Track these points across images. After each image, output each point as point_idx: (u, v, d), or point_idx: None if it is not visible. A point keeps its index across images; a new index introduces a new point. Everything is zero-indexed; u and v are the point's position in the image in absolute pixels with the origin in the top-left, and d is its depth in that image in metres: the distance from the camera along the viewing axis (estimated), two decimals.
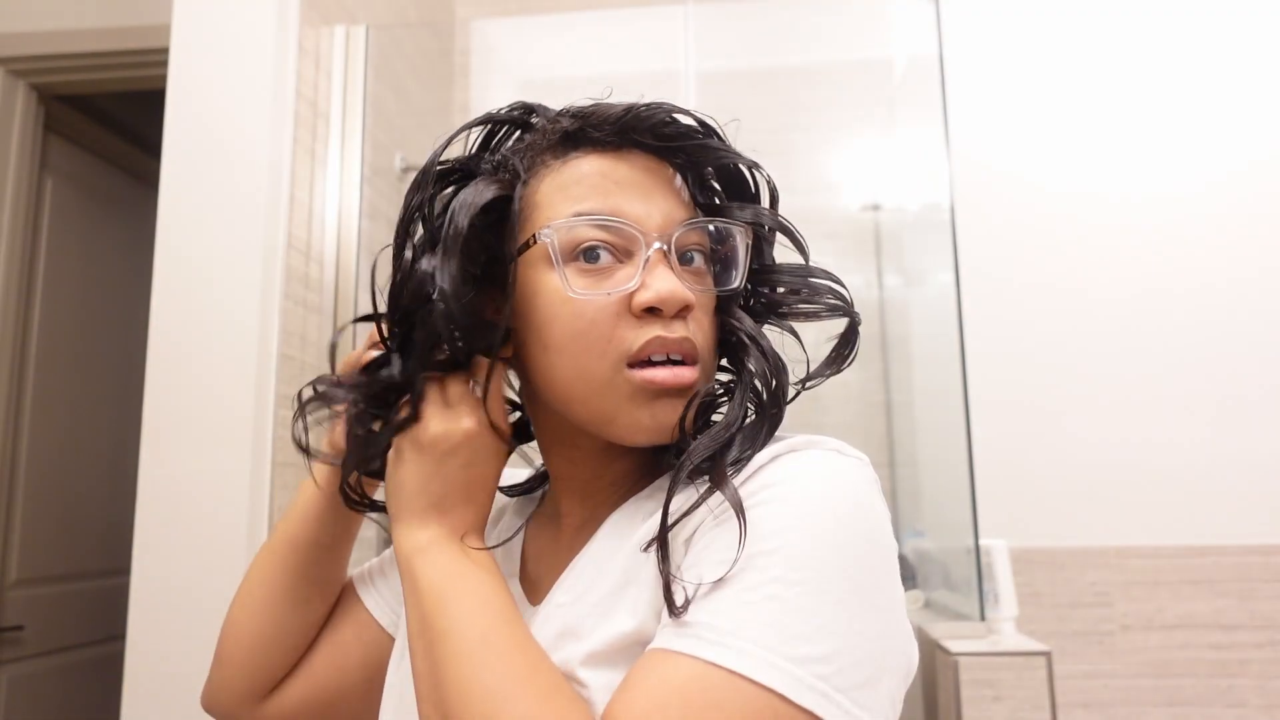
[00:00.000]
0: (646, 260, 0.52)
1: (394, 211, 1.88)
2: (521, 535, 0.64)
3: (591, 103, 0.59)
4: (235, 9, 1.43)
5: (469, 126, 0.60)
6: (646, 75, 2.06)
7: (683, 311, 0.52)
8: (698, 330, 0.53)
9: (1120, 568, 1.82)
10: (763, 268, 0.59)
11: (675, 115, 0.56)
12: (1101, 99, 1.97)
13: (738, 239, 0.56)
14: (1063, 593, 1.82)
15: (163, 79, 1.42)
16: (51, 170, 2.17)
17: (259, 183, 1.38)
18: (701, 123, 0.57)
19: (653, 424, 0.52)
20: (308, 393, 0.57)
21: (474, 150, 0.60)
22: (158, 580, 1.30)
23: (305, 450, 0.59)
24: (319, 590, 0.68)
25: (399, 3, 1.98)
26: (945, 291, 1.65)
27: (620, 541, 0.53)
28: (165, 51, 1.43)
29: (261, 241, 1.37)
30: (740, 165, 0.58)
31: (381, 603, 0.70)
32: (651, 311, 0.52)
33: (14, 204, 2.02)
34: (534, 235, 0.54)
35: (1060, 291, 1.92)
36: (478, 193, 0.55)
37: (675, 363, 0.52)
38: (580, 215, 0.53)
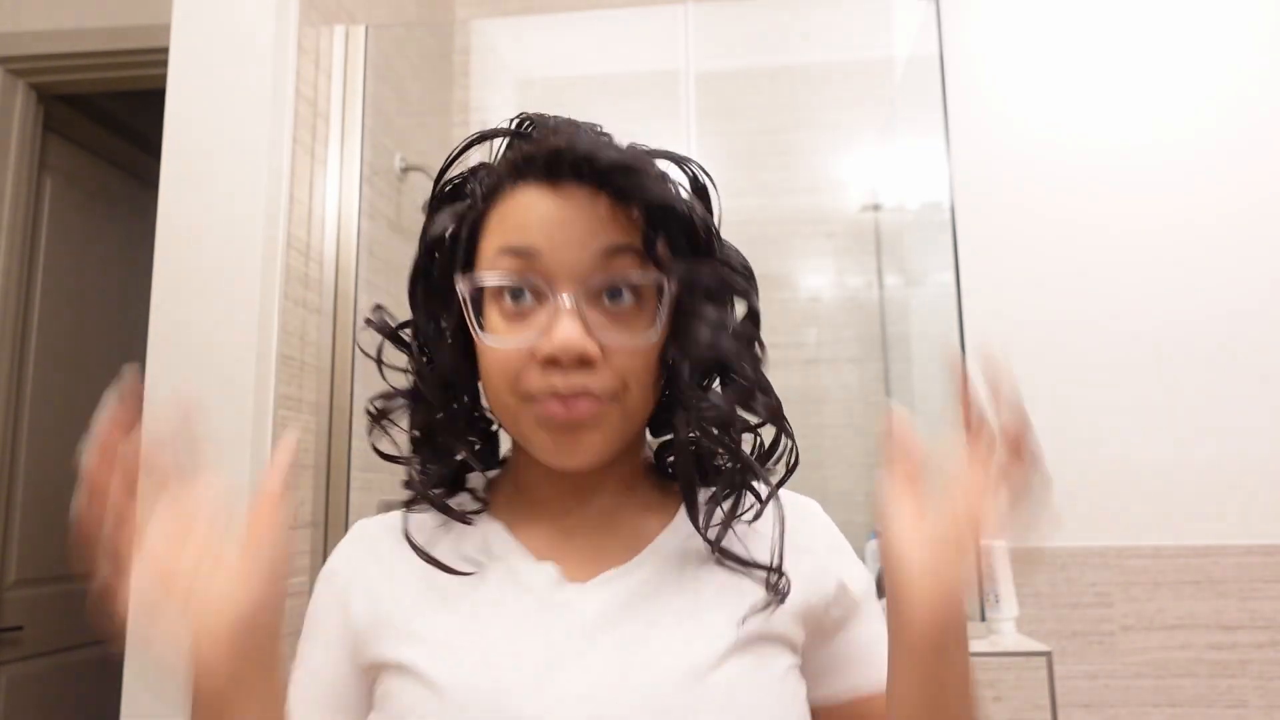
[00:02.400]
0: (556, 308, 0.54)
1: (394, 211, 1.89)
2: (502, 524, 0.63)
3: (552, 125, 0.60)
4: (235, 9, 1.43)
5: (468, 145, 0.63)
6: (646, 75, 2.06)
7: (586, 361, 0.54)
8: (610, 375, 0.55)
9: (1120, 568, 1.81)
10: (691, 323, 0.57)
11: (598, 154, 0.54)
12: (1102, 99, 1.97)
13: (661, 286, 0.56)
14: (1063, 593, 1.81)
15: (162, 79, 1.42)
16: (51, 170, 2.17)
17: (259, 183, 1.38)
18: (624, 162, 0.55)
19: (558, 457, 0.57)
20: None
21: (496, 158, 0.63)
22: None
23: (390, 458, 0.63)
24: None
25: (399, 3, 1.98)
26: (945, 291, 1.64)
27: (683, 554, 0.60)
28: (165, 51, 1.43)
29: (261, 241, 1.37)
30: (673, 205, 0.56)
31: (319, 698, 0.61)
32: (553, 361, 0.54)
33: (13, 204, 2.02)
34: (455, 282, 0.58)
35: (1060, 291, 1.92)
36: (436, 225, 0.61)
37: (580, 398, 0.54)
38: (504, 249, 0.56)
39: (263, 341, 1.35)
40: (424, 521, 0.63)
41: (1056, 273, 1.93)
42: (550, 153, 0.55)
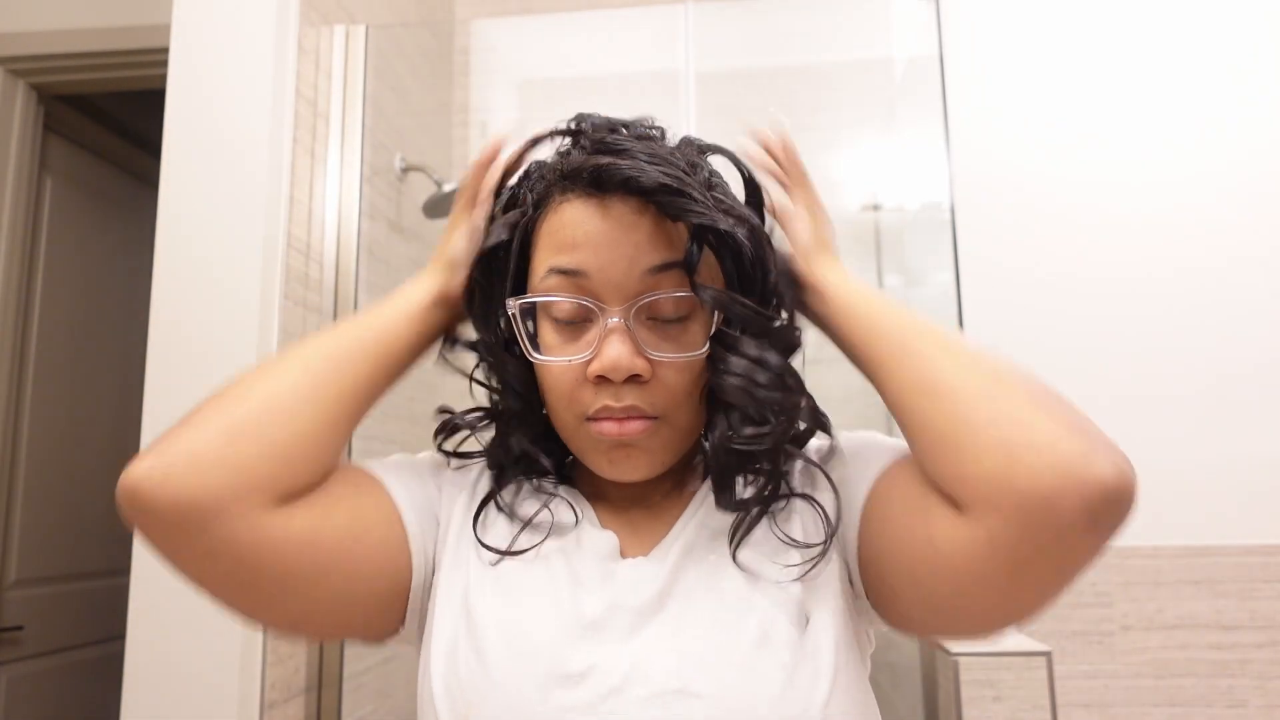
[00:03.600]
0: (605, 327, 0.56)
1: (394, 211, 1.89)
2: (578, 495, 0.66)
3: (603, 129, 0.61)
4: (235, 9, 1.43)
5: (530, 146, 0.66)
6: (646, 75, 2.06)
7: (635, 378, 0.56)
8: (661, 390, 0.57)
9: (1120, 568, 1.81)
10: (726, 342, 0.59)
11: (643, 176, 0.55)
12: (1102, 99, 1.97)
13: (702, 305, 0.57)
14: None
15: (163, 79, 1.42)
16: (51, 170, 2.17)
17: (259, 183, 1.38)
18: (667, 184, 0.55)
19: (612, 472, 0.60)
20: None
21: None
22: (158, 580, 1.30)
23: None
24: (368, 405, 0.62)
25: (399, 3, 1.98)
26: (945, 291, 1.65)
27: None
28: (165, 51, 1.43)
29: (261, 241, 1.37)
30: (716, 227, 0.56)
31: (411, 502, 0.63)
32: (604, 378, 0.56)
33: (14, 204, 2.02)
34: (504, 305, 0.61)
35: (1060, 291, 1.92)
36: (491, 236, 0.63)
37: (632, 416, 0.57)
38: (553, 268, 0.58)
39: (263, 341, 1.35)
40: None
41: (1056, 273, 1.93)
42: (595, 170, 0.56)
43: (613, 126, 0.62)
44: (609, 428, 0.57)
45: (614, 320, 0.56)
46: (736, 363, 0.57)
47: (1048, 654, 1.43)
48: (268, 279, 1.37)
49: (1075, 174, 1.96)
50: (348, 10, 1.67)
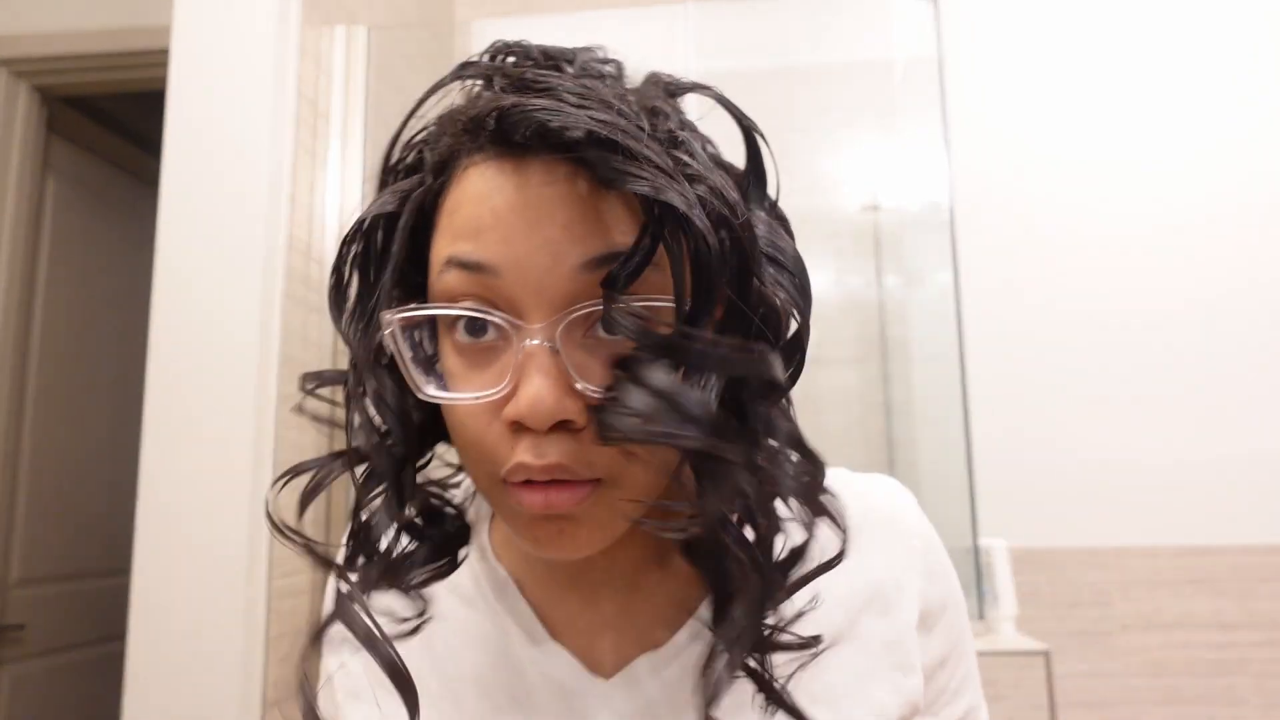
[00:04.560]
0: (522, 351, 0.38)
1: None
2: (515, 586, 0.51)
3: (514, 71, 0.42)
4: (236, 10, 1.43)
5: (431, 92, 0.47)
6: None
7: (565, 424, 0.38)
8: (589, 440, 0.38)
9: (1119, 568, 1.82)
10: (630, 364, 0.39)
11: (568, 120, 0.36)
12: (1101, 99, 1.97)
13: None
14: (1062, 592, 1.82)
15: (164, 80, 1.43)
16: (53, 171, 2.17)
17: (259, 183, 1.39)
18: (605, 134, 0.36)
19: (540, 551, 0.41)
20: None
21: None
22: (158, 580, 1.30)
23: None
24: None
25: (399, 3, 1.98)
26: (945, 292, 1.65)
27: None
28: (167, 52, 1.43)
29: (262, 241, 1.37)
30: (661, 199, 0.36)
31: None
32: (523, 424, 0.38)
33: (16, 204, 2.02)
34: (378, 321, 0.42)
35: (1060, 291, 1.92)
36: (372, 205, 0.44)
37: (559, 481, 0.39)
38: (451, 260, 0.40)
39: (263, 341, 1.36)
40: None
41: (1056, 273, 1.93)
42: (500, 116, 0.38)
43: (537, 57, 0.44)
44: (529, 497, 0.39)
45: (533, 342, 0.38)
46: (635, 395, 0.37)
47: (1047, 653, 1.43)
48: (269, 279, 1.38)
49: (1074, 174, 1.96)
50: (348, 11, 1.68)
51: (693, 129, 0.44)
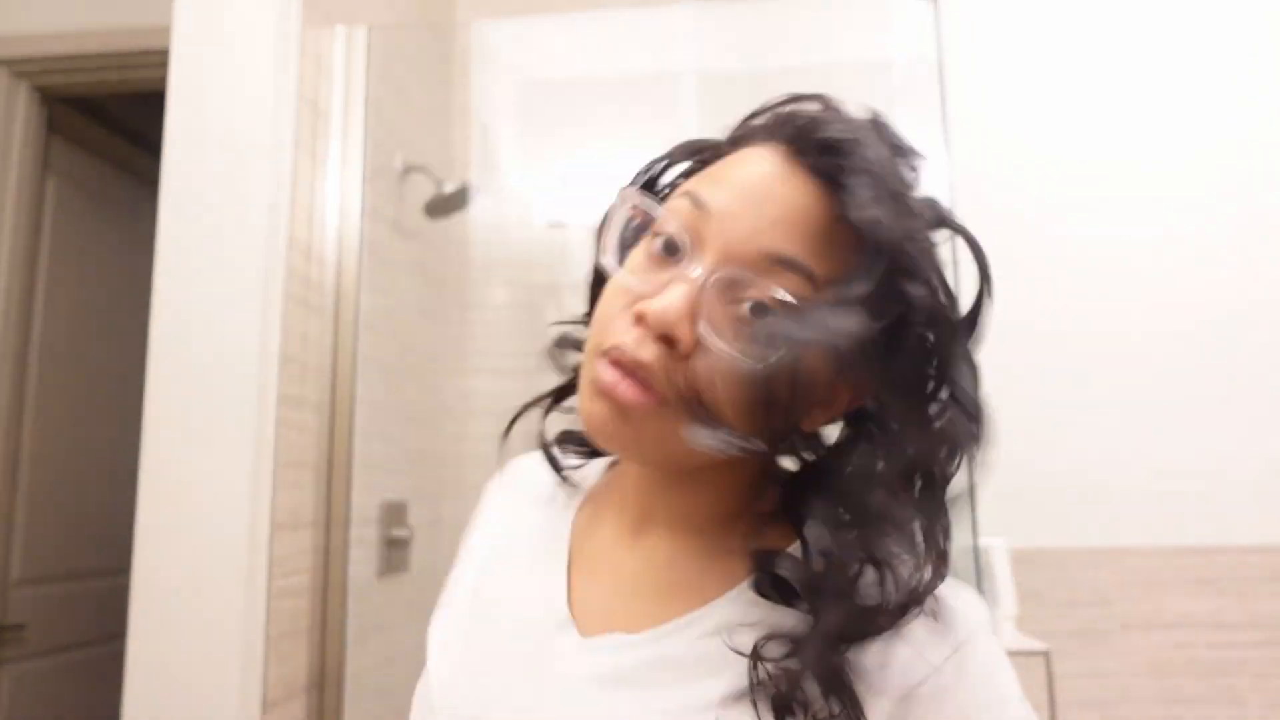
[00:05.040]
0: (682, 273, 0.46)
1: (395, 212, 1.89)
2: (569, 522, 0.58)
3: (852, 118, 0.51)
4: (236, 10, 1.43)
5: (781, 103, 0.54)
6: (647, 76, 2.06)
7: (667, 339, 0.44)
8: (681, 375, 0.44)
9: (1119, 567, 1.82)
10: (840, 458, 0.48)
11: (837, 135, 0.46)
12: (1102, 99, 1.97)
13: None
14: (1062, 592, 1.82)
15: (164, 79, 1.43)
16: (53, 171, 2.17)
17: (259, 183, 1.39)
18: (840, 140, 0.45)
19: (585, 415, 0.48)
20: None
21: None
22: (158, 580, 1.30)
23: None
24: None
25: (400, 3, 1.98)
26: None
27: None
28: (167, 52, 1.43)
29: (262, 241, 1.37)
30: (873, 233, 0.43)
31: None
32: (642, 319, 0.45)
33: (16, 204, 2.02)
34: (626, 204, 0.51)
35: (1060, 292, 1.92)
36: (675, 152, 0.56)
37: (636, 378, 0.45)
38: (687, 191, 0.48)
39: (264, 341, 1.36)
40: (546, 482, 0.61)
41: (1056, 274, 1.93)
42: (808, 122, 0.48)
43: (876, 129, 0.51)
44: (607, 372, 0.45)
45: (695, 272, 0.45)
46: (863, 449, 0.46)
47: (1047, 653, 1.43)
48: (269, 279, 1.38)
49: (1074, 174, 1.96)
50: (348, 11, 1.68)
51: (934, 243, 0.49)
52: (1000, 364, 1.98)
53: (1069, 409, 1.88)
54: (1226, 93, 1.94)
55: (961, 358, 0.48)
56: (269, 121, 1.40)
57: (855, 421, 0.50)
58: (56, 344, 2.18)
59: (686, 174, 0.54)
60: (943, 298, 0.46)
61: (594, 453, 0.62)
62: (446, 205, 1.90)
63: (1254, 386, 1.84)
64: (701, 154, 0.53)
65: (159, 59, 1.46)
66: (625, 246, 0.50)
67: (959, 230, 0.51)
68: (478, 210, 2.04)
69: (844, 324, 0.43)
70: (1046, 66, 2.01)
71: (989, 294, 0.50)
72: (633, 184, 0.54)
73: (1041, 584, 1.82)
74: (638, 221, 0.50)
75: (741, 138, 0.51)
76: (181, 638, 1.28)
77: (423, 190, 1.88)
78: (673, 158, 0.55)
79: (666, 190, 0.55)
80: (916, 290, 0.44)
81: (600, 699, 0.47)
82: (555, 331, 0.58)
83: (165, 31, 1.44)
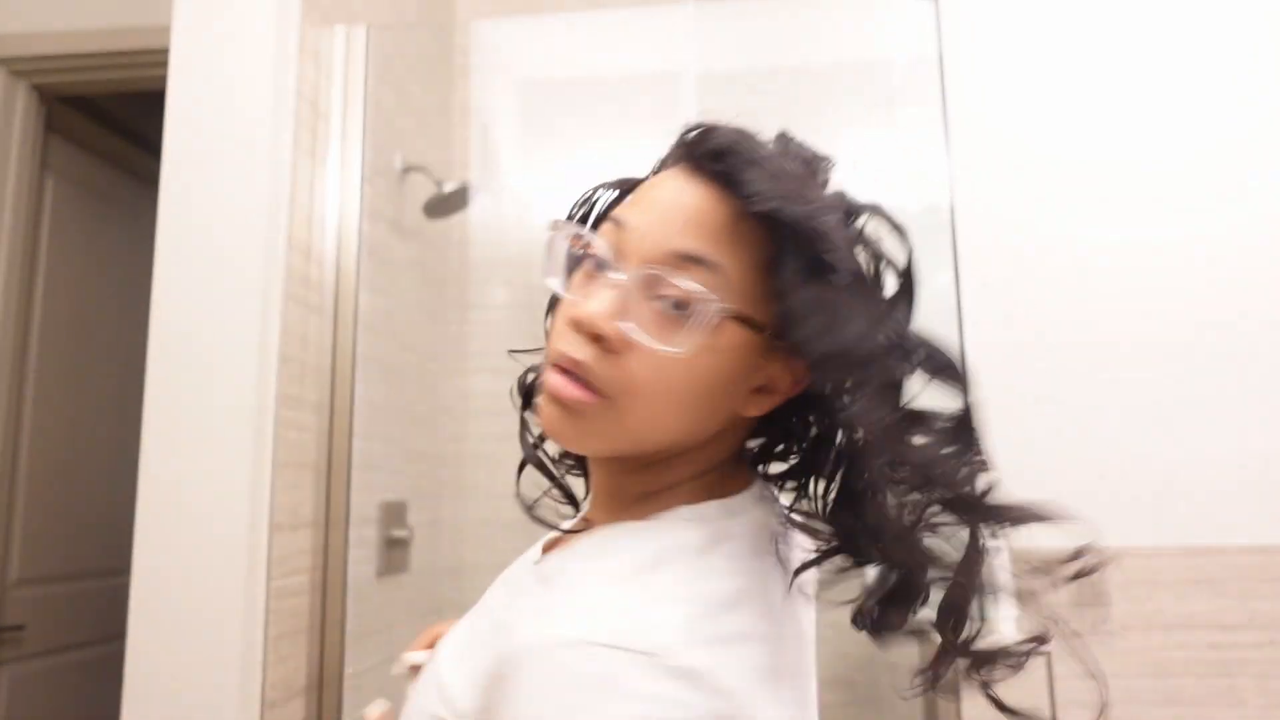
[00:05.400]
0: (606, 279, 0.52)
1: (394, 212, 1.89)
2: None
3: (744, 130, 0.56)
4: (235, 9, 1.43)
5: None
6: (648, 76, 2.06)
7: (601, 341, 0.50)
8: (619, 371, 0.50)
9: (1119, 567, 1.82)
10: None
11: (725, 143, 0.51)
12: (1102, 99, 1.97)
13: (700, 306, 0.50)
14: (1062, 592, 1.81)
15: (163, 79, 1.42)
16: (53, 170, 2.17)
17: (260, 183, 1.39)
18: (726, 145, 0.51)
19: (541, 420, 0.54)
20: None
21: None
22: (158, 580, 1.30)
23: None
24: None
25: (399, 3, 1.98)
26: (945, 292, 1.65)
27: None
28: (166, 52, 1.43)
29: (262, 241, 1.37)
30: (774, 215, 0.49)
31: None
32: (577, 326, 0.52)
33: (15, 204, 2.02)
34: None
35: (1060, 292, 1.92)
36: (603, 192, 0.63)
37: (578, 379, 0.51)
38: (612, 215, 0.55)
39: (263, 341, 1.36)
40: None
41: (1056, 274, 1.93)
42: (698, 136, 0.53)
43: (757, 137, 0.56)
44: (553, 378, 0.51)
45: (617, 276, 0.51)
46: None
47: (1047, 653, 1.43)
48: (268, 279, 1.38)
49: (1074, 174, 1.96)
50: (348, 10, 1.68)
51: (845, 217, 0.55)
52: (1000, 364, 1.98)
53: (1070, 409, 1.88)
54: (1227, 93, 1.94)
55: (901, 317, 0.56)
56: (268, 121, 1.40)
57: (820, 407, 0.56)
58: (55, 344, 2.18)
59: (616, 203, 0.60)
60: (864, 264, 0.53)
61: (583, 464, 0.66)
62: (446, 205, 1.90)
63: (1254, 387, 1.84)
64: (626, 185, 0.60)
65: (158, 58, 1.46)
66: (570, 272, 0.56)
67: (870, 209, 0.55)
68: (477, 210, 2.04)
69: (756, 305, 0.50)
70: (1046, 66, 2.01)
71: (909, 250, 0.57)
72: (568, 217, 0.61)
73: (1041, 584, 1.82)
74: (579, 250, 0.56)
75: (659, 168, 0.58)
76: (181, 638, 1.28)
77: (422, 190, 1.88)
78: (602, 189, 0.62)
79: (600, 219, 0.62)
80: (834, 258, 0.49)
81: (535, 590, 0.55)
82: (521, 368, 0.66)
83: (165, 31, 1.44)
